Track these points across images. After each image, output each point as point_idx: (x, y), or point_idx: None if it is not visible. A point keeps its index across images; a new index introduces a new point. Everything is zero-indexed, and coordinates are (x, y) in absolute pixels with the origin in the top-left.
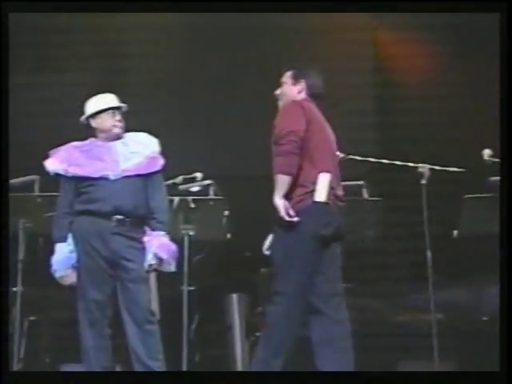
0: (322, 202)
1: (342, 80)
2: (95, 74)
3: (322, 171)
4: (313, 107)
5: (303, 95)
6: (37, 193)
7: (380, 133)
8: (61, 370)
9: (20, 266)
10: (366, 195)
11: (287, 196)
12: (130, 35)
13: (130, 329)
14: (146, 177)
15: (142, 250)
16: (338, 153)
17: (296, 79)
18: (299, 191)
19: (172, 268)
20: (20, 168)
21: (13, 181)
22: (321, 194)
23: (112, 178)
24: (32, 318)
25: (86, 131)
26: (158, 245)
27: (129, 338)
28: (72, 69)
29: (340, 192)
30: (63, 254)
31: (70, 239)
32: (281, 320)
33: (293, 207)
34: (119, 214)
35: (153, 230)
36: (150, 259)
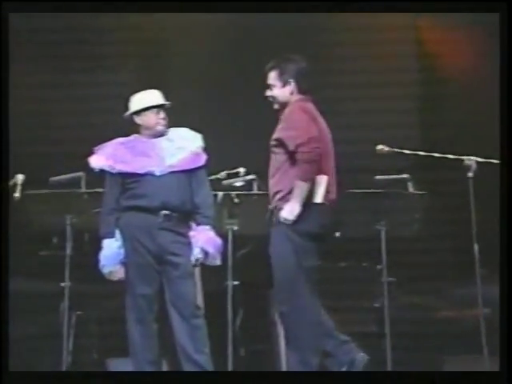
0: (319, 203)
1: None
2: (138, 73)
3: (319, 173)
4: (312, 107)
5: (296, 95)
6: (83, 189)
7: (425, 128)
8: (106, 366)
9: (67, 261)
10: (411, 189)
11: (286, 197)
12: (172, 34)
13: (177, 323)
14: (190, 172)
15: (189, 244)
16: (381, 146)
17: (284, 80)
18: None
19: (218, 262)
20: (64, 165)
21: (59, 177)
22: (319, 196)
23: (158, 173)
24: (79, 313)
25: (129, 127)
26: (204, 239)
27: (175, 333)
28: (114, 67)
29: (333, 195)
30: (111, 250)
31: (117, 235)
32: (302, 319)
33: None
34: (166, 210)
35: (198, 224)
36: (196, 253)
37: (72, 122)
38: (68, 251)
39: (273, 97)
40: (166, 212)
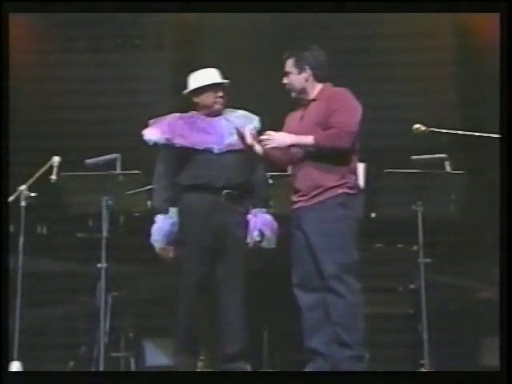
0: None
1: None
2: (174, 53)
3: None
4: None
5: (311, 82)
6: (119, 171)
7: (463, 107)
8: (142, 346)
9: (104, 242)
10: (448, 169)
11: None
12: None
13: (226, 305)
14: (246, 153)
15: (246, 226)
16: (418, 125)
17: (300, 68)
18: None
19: (272, 245)
20: (101, 146)
21: (95, 159)
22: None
23: (216, 151)
24: (115, 294)
25: (186, 106)
26: (262, 221)
27: (222, 314)
28: (149, 47)
29: None
30: (164, 226)
31: (172, 212)
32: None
33: None
34: (228, 188)
35: (254, 206)
36: (255, 235)
37: (107, 102)
38: (104, 233)
39: (289, 84)
40: (228, 191)
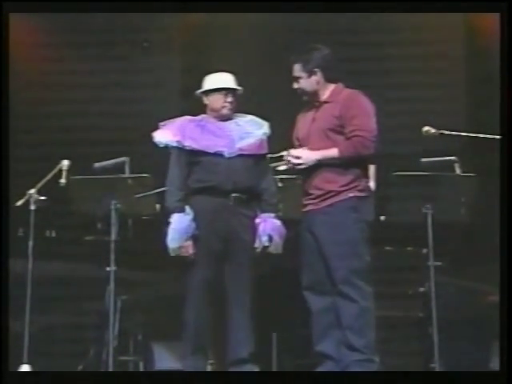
0: None
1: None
2: (181, 59)
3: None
4: None
5: (322, 84)
6: (127, 174)
7: (473, 109)
8: (151, 350)
9: (112, 246)
10: (458, 171)
11: None
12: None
13: (235, 310)
14: (255, 158)
15: (254, 230)
16: (428, 128)
17: (309, 71)
18: None
19: (279, 250)
20: (108, 150)
21: (104, 163)
22: None
23: (226, 155)
24: (124, 297)
25: (196, 109)
26: (271, 227)
27: (232, 320)
28: (155, 54)
29: None
30: (182, 224)
31: (188, 209)
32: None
33: None
34: (237, 192)
35: (263, 212)
36: (265, 241)
37: (114, 109)
38: (113, 236)
39: (300, 89)
40: (237, 195)
